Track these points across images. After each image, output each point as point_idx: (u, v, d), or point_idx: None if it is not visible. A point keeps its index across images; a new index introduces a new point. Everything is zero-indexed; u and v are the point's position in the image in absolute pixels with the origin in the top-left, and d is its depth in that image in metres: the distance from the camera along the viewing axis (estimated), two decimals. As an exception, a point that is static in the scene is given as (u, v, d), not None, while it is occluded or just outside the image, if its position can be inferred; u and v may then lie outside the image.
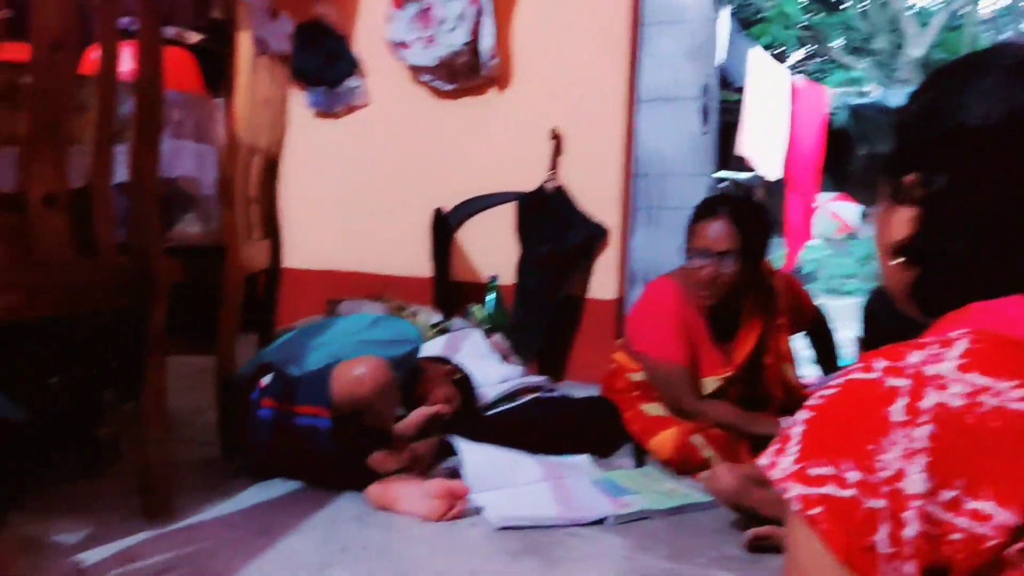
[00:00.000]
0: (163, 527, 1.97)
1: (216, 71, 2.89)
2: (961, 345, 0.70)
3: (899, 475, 0.66)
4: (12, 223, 1.66)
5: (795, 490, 0.69)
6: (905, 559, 0.65)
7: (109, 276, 1.92)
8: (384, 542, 1.97)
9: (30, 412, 2.15)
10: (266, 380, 2.28)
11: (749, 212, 2.54)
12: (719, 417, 2.52)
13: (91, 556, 1.75)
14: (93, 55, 2.01)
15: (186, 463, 2.34)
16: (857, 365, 0.72)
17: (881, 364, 0.71)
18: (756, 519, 2.01)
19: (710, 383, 2.58)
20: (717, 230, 2.47)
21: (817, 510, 0.67)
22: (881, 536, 0.65)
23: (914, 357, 0.70)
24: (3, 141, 1.63)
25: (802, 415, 0.73)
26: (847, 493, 0.67)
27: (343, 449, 2.16)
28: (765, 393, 2.63)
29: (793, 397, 2.63)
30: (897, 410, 0.67)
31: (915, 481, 0.65)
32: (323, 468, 2.23)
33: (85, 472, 2.27)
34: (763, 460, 0.72)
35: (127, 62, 1.95)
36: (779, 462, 0.71)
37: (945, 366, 0.68)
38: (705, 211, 2.53)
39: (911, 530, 0.65)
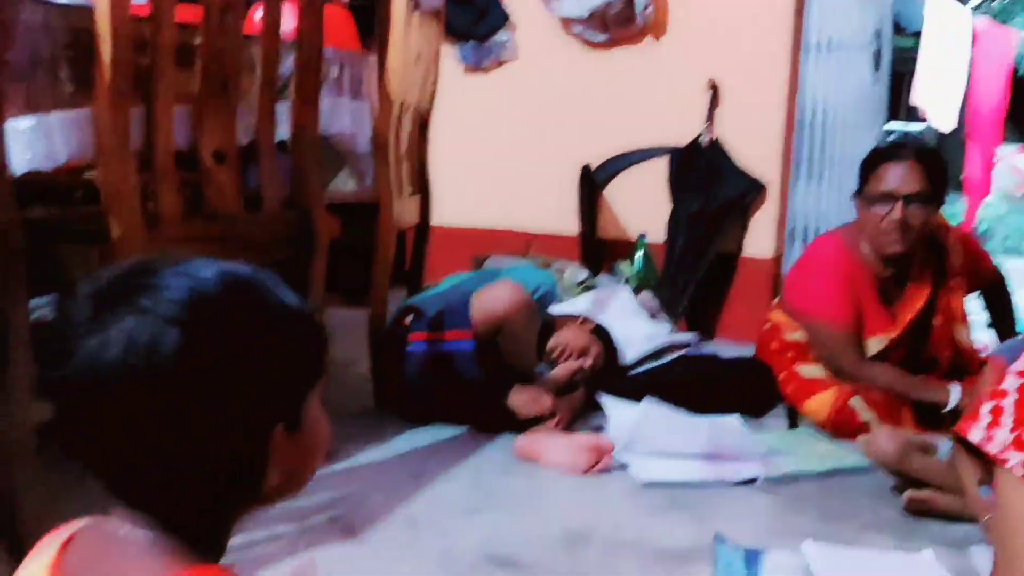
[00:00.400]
0: (321, 469, 2.07)
1: (370, 28, 2.97)
2: None
3: None
4: (185, 178, 1.77)
5: (1017, 458, 0.68)
6: None
7: (273, 230, 2.02)
8: (529, 491, 2.02)
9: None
10: (411, 319, 2.37)
11: (933, 156, 2.42)
12: (882, 380, 2.42)
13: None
14: (256, 15, 2.10)
15: (342, 411, 2.45)
16: None
17: None
18: (916, 485, 1.94)
19: (874, 344, 2.47)
20: (904, 172, 2.34)
21: None
22: None
23: None
24: (178, 100, 1.73)
25: (1011, 383, 0.71)
26: None
27: (487, 373, 2.21)
28: (932, 356, 2.50)
29: (963, 361, 2.49)
30: None
31: None
32: (470, 401, 2.29)
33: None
34: (974, 436, 0.72)
35: (288, 21, 2.03)
36: (995, 435, 0.70)
37: None
38: (888, 154, 2.42)
39: None
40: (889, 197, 2.35)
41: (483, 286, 2.32)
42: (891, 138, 2.56)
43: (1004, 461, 0.67)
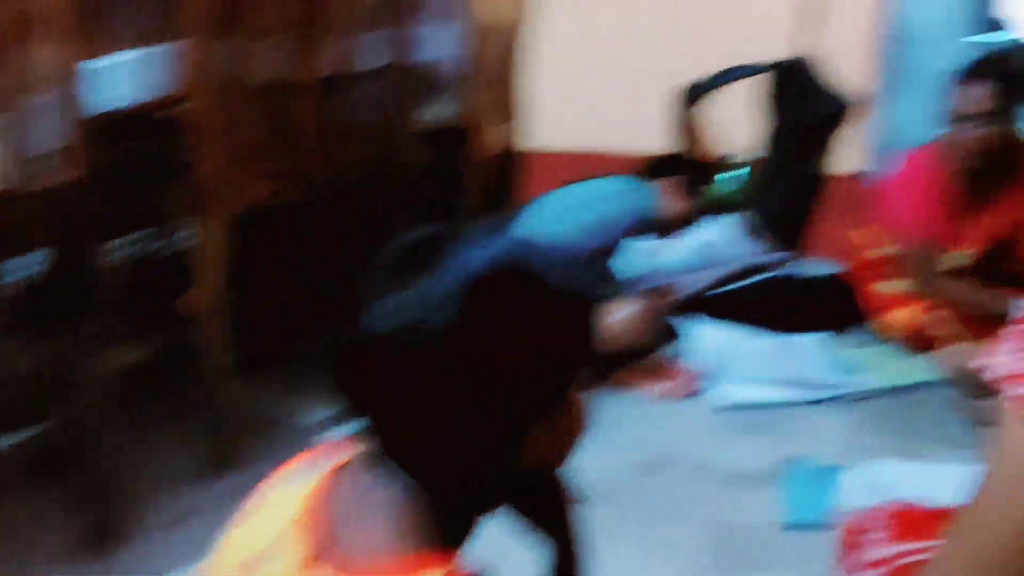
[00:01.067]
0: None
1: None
2: None
3: None
4: (271, 109, 1.82)
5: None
6: None
7: (360, 158, 2.06)
8: (614, 416, 2.02)
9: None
10: None
11: (1019, 74, 2.32)
12: (952, 294, 2.39)
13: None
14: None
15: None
16: None
17: None
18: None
19: (959, 257, 2.43)
20: (977, 92, 2.28)
21: None
22: None
23: None
24: (268, 30, 1.76)
25: None
26: None
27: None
28: (1018, 271, 2.45)
29: None
30: None
31: None
32: None
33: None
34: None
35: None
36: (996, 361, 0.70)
37: None
38: (971, 72, 2.34)
39: None
40: (963, 118, 2.31)
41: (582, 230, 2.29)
42: (975, 55, 2.46)
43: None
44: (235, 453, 1.77)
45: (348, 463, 0.74)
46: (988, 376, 0.70)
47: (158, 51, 1.61)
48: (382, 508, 0.69)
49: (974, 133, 2.30)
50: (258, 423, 1.99)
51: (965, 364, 1.95)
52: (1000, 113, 2.28)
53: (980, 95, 2.29)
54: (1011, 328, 0.72)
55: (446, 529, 0.70)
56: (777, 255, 2.96)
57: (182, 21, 1.59)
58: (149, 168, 1.70)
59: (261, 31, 1.77)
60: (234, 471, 1.77)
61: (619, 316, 2.34)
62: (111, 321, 1.52)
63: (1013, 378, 0.69)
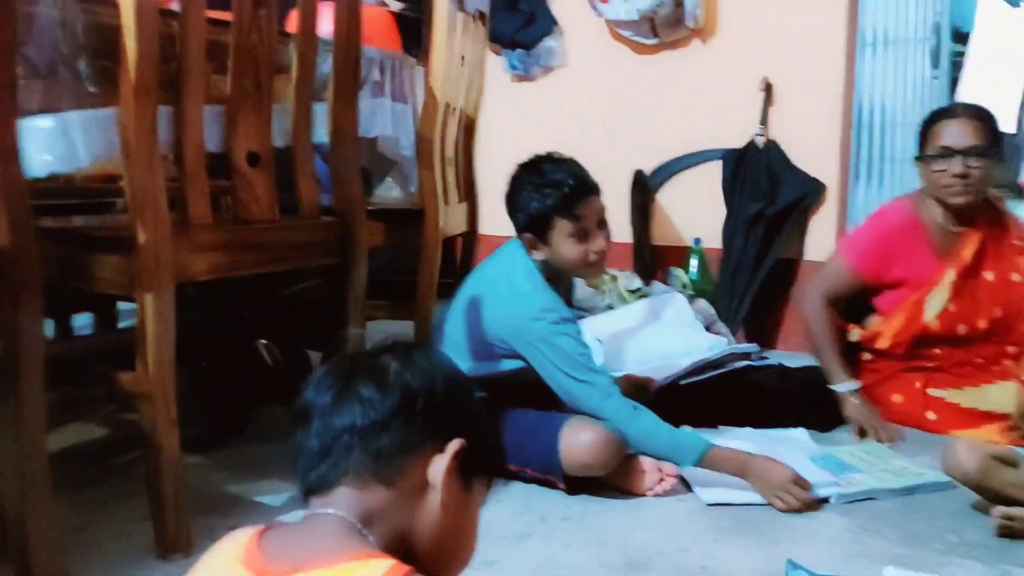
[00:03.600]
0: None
1: (415, 36, 2.88)
2: None
3: None
4: (218, 183, 1.68)
5: None
6: None
7: (311, 235, 1.92)
8: (584, 514, 1.88)
9: (240, 370, 2.22)
10: None
11: (986, 114, 2.45)
12: (812, 329, 2.50)
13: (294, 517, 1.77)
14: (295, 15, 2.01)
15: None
16: None
17: None
18: (1003, 502, 1.77)
19: (935, 303, 2.46)
20: (960, 127, 2.40)
21: None
22: None
23: None
24: (209, 100, 1.64)
25: None
26: None
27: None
28: (978, 314, 2.48)
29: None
30: None
31: None
32: None
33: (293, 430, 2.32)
34: None
35: (328, 23, 1.94)
36: None
37: None
38: (943, 113, 2.49)
39: None
40: (949, 152, 2.39)
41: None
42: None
43: None
44: (187, 535, 1.64)
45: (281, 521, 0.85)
46: None
47: (94, 116, 1.45)
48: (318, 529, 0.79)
49: (949, 169, 2.38)
50: (215, 502, 1.87)
51: (968, 465, 1.81)
52: (972, 151, 2.37)
53: (950, 135, 2.39)
54: None
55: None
56: (746, 346, 2.83)
57: (120, 84, 1.44)
58: (96, 242, 1.58)
59: (206, 98, 1.62)
60: (191, 553, 1.61)
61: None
62: (47, 401, 1.36)
63: None
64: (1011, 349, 2.47)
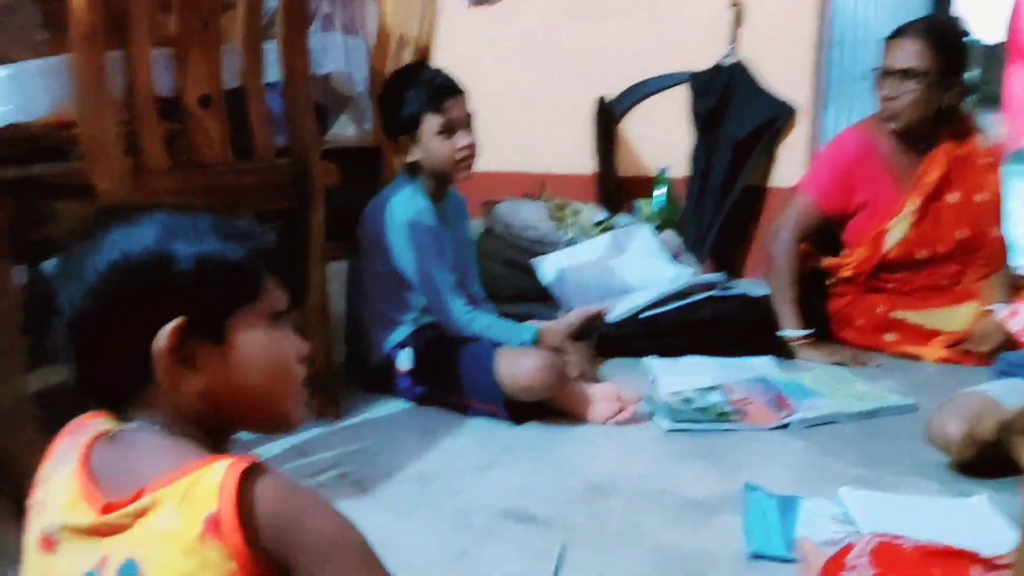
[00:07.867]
0: (331, 425, 2.10)
1: (365, -39, 2.89)
2: None
3: None
4: (169, 126, 1.75)
5: None
6: None
7: (266, 178, 2.00)
8: (546, 444, 2.02)
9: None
10: (405, 362, 2.26)
11: (944, 32, 2.49)
12: (775, 269, 2.62)
13: (265, 451, 1.89)
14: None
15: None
16: None
17: None
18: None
19: (897, 228, 2.58)
20: (901, 47, 2.46)
21: None
22: None
23: None
24: (159, 43, 1.70)
25: None
26: None
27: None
28: (941, 236, 2.60)
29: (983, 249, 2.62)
30: None
31: None
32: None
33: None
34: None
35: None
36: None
37: None
38: (898, 30, 2.53)
39: None
40: (887, 73, 2.48)
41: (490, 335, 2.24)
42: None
43: None
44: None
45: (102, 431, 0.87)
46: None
47: (48, 64, 1.52)
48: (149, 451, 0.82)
49: (901, 90, 2.44)
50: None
51: (952, 434, 1.78)
52: (910, 73, 2.43)
53: (909, 52, 2.44)
54: None
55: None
56: (712, 276, 2.96)
57: (69, 31, 1.50)
58: (56, 190, 1.63)
59: (155, 41, 1.69)
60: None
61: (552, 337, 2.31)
62: (24, 343, 1.48)
63: None
64: (976, 268, 2.60)
